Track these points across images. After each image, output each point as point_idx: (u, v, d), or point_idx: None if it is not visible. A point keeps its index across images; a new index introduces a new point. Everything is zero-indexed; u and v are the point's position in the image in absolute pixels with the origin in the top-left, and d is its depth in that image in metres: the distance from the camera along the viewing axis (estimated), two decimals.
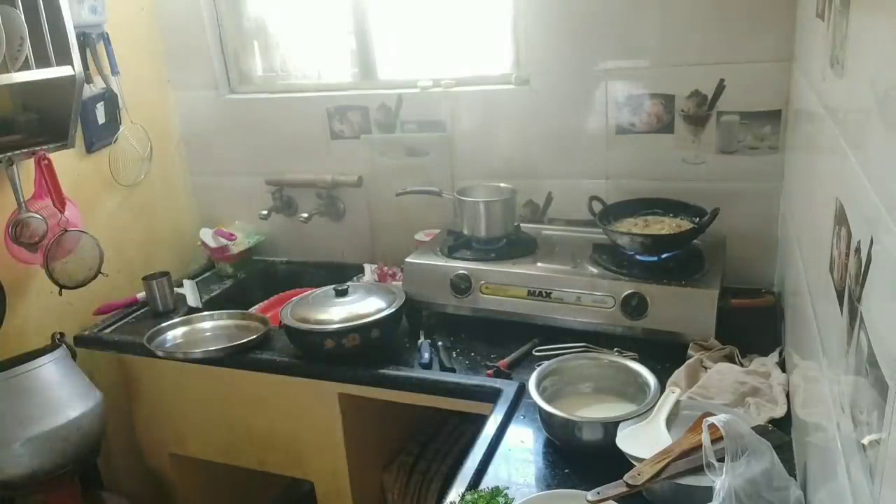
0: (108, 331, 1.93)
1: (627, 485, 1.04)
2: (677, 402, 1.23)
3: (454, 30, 2.00)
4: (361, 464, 1.81)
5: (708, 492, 0.97)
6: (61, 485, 1.71)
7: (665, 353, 1.48)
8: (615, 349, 1.53)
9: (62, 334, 1.84)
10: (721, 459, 0.96)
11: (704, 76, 1.70)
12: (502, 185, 1.87)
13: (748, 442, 0.96)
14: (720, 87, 1.69)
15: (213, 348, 1.74)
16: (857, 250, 0.72)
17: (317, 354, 1.62)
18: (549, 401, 1.26)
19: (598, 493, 1.04)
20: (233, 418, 1.88)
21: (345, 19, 2.07)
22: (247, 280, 2.25)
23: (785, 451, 1.10)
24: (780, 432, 1.15)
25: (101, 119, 1.99)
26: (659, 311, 1.54)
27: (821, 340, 0.98)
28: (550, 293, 1.62)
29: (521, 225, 1.87)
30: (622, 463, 1.09)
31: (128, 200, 2.14)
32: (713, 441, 0.98)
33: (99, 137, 2.00)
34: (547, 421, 1.27)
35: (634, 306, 1.55)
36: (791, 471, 1.08)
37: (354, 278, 1.99)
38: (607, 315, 1.58)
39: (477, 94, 1.95)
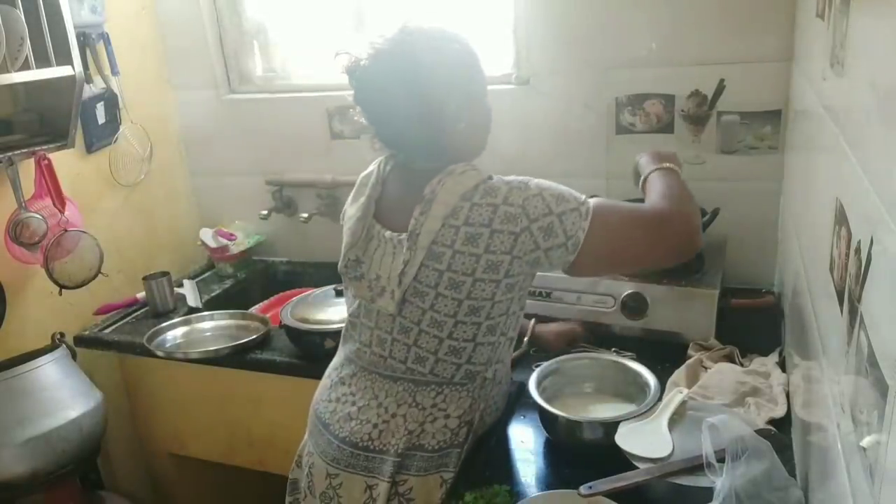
0: (108, 331, 1.93)
1: None
2: (682, 402, 1.23)
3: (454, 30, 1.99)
4: None
5: (708, 492, 0.97)
6: (61, 485, 1.72)
7: (665, 353, 1.48)
8: (612, 349, 1.52)
9: (62, 334, 1.84)
10: (721, 460, 0.96)
11: (704, 76, 1.70)
12: None
13: (748, 442, 0.96)
14: (720, 87, 1.69)
15: (212, 348, 1.74)
16: (857, 250, 0.72)
17: (317, 354, 1.62)
18: (548, 401, 1.26)
19: (591, 486, 1.04)
20: (233, 418, 1.88)
21: (345, 19, 2.07)
22: (247, 280, 2.25)
23: (785, 451, 1.10)
24: (780, 435, 1.15)
25: (101, 119, 1.99)
26: (659, 311, 1.54)
27: (821, 340, 0.98)
28: (550, 293, 1.62)
29: None
30: (622, 463, 1.09)
31: (128, 200, 2.14)
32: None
33: (99, 137, 2.00)
34: (547, 421, 1.27)
35: (634, 306, 1.55)
36: (791, 471, 1.08)
37: None
38: (607, 315, 1.58)
39: None
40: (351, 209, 1.25)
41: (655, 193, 1.22)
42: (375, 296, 1.20)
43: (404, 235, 1.15)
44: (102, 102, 1.98)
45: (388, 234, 1.19)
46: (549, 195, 1.11)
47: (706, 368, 1.41)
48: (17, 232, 1.73)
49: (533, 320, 1.55)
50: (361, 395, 1.23)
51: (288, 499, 1.40)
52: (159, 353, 1.79)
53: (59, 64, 1.66)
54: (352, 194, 1.28)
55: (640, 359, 1.36)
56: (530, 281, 1.19)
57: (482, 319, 1.15)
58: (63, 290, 1.82)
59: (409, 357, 1.18)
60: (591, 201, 1.13)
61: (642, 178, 1.30)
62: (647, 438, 1.14)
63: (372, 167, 1.28)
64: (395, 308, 1.16)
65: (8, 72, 1.56)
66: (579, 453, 1.23)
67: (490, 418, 1.26)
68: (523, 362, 1.56)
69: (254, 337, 1.75)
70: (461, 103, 1.16)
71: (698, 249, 1.20)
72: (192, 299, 2.03)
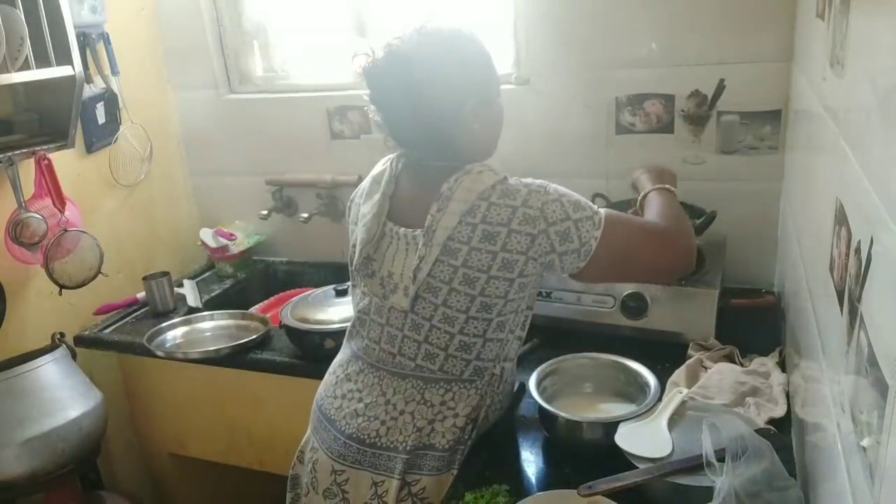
0: (108, 331, 1.93)
1: None
2: (682, 402, 1.23)
3: None
4: None
5: (708, 492, 0.97)
6: (61, 485, 1.72)
7: (665, 353, 1.48)
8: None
9: (62, 334, 1.84)
10: (721, 459, 0.96)
11: (704, 76, 1.70)
12: None
13: (748, 442, 0.96)
14: (720, 87, 1.69)
15: (212, 348, 1.74)
16: (857, 250, 0.72)
17: (317, 354, 1.62)
18: (549, 401, 1.27)
19: (590, 486, 1.05)
20: (233, 418, 1.88)
21: (345, 19, 2.07)
22: (247, 280, 2.25)
23: (785, 451, 1.10)
24: (780, 435, 1.15)
25: (101, 119, 1.99)
26: (659, 311, 1.54)
27: (821, 340, 0.98)
28: (550, 293, 1.62)
29: None
30: (622, 463, 1.09)
31: (128, 200, 2.14)
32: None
33: (99, 137, 2.00)
34: (547, 421, 1.27)
35: (634, 306, 1.55)
36: (791, 471, 1.08)
37: None
38: (607, 315, 1.58)
39: None
40: (365, 206, 1.25)
41: (655, 212, 1.27)
42: (388, 293, 1.21)
43: (419, 232, 1.16)
44: (102, 102, 1.98)
45: (402, 231, 1.19)
46: (566, 201, 1.13)
47: (706, 368, 1.41)
48: (17, 232, 1.73)
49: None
50: (368, 391, 1.23)
51: (289, 495, 1.40)
52: (159, 353, 1.79)
53: (59, 64, 1.66)
54: (365, 192, 1.28)
55: (640, 359, 1.36)
56: (540, 282, 1.21)
57: (493, 316, 1.16)
58: (63, 290, 1.82)
59: (420, 354, 1.19)
60: (602, 212, 1.17)
61: (641, 194, 1.35)
62: (647, 438, 1.14)
63: (382, 165, 1.29)
64: (409, 304, 1.17)
65: (8, 72, 1.56)
66: (579, 453, 1.23)
67: (494, 416, 1.27)
68: (523, 362, 1.56)
69: (254, 337, 1.75)
70: (477, 105, 1.18)
71: (692, 268, 1.27)
72: (192, 299, 2.03)
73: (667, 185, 1.33)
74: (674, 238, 1.22)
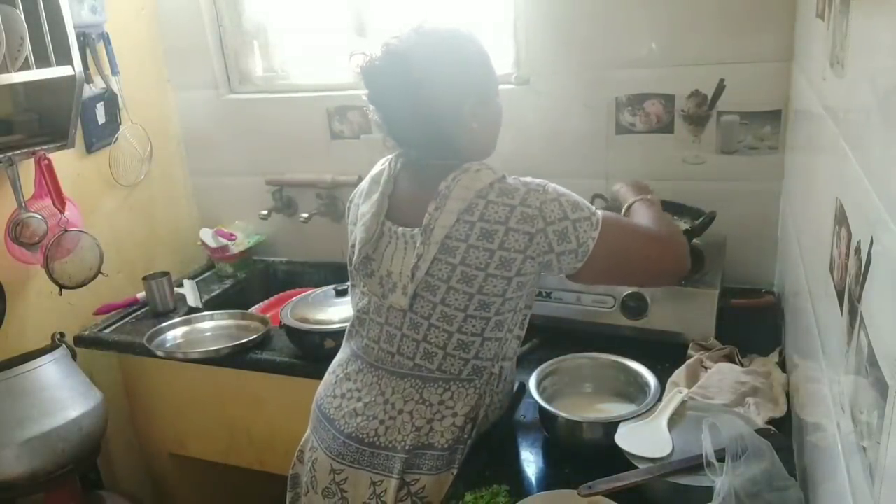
0: (108, 331, 1.93)
1: None
2: (682, 402, 1.23)
3: None
4: None
5: (708, 492, 0.97)
6: (61, 485, 1.72)
7: (665, 353, 1.48)
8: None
9: (62, 334, 1.84)
10: (721, 459, 0.96)
11: (704, 76, 1.70)
12: None
13: (748, 442, 0.96)
14: (720, 87, 1.69)
15: (212, 348, 1.74)
16: (857, 250, 0.72)
17: (317, 354, 1.62)
18: (549, 401, 1.26)
19: (591, 486, 1.05)
20: (233, 418, 1.88)
21: (345, 19, 2.07)
22: (247, 280, 2.25)
23: (785, 451, 1.10)
24: (780, 435, 1.15)
25: (101, 119, 1.99)
26: (659, 311, 1.54)
27: (821, 340, 0.98)
28: (550, 293, 1.62)
29: None
30: (623, 463, 1.09)
31: (128, 200, 2.14)
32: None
33: (99, 137, 2.00)
34: (547, 421, 1.27)
35: (634, 306, 1.55)
36: (791, 471, 1.07)
37: None
38: (607, 315, 1.58)
39: None
40: (364, 206, 1.26)
41: (646, 219, 1.29)
42: (387, 292, 1.21)
43: (417, 230, 1.16)
44: (102, 102, 1.98)
45: (400, 230, 1.20)
46: (565, 201, 1.14)
47: (706, 368, 1.41)
48: (17, 232, 1.73)
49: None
50: (367, 391, 1.24)
51: (289, 494, 1.40)
52: (159, 353, 1.79)
53: (59, 64, 1.66)
54: (363, 192, 1.29)
55: (640, 359, 1.36)
56: (538, 281, 1.21)
57: (491, 314, 1.16)
58: (63, 290, 1.82)
59: (418, 353, 1.19)
60: (600, 213, 1.18)
61: (626, 205, 1.38)
62: (647, 438, 1.14)
63: (381, 165, 1.29)
64: (407, 303, 1.17)
65: (8, 72, 1.56)
66: (579, 453, 1.23)
67: (493, 416, 1.27)
68: (523, 362, 1.56)
69: (254, 337, 1.75)
70: (475, 104, 1.18)
71: (686, 272, 1.30)
72: (192, 299, 2.03)
73: (648, 196, 1.37)
74: (669, 241, 1.24)
